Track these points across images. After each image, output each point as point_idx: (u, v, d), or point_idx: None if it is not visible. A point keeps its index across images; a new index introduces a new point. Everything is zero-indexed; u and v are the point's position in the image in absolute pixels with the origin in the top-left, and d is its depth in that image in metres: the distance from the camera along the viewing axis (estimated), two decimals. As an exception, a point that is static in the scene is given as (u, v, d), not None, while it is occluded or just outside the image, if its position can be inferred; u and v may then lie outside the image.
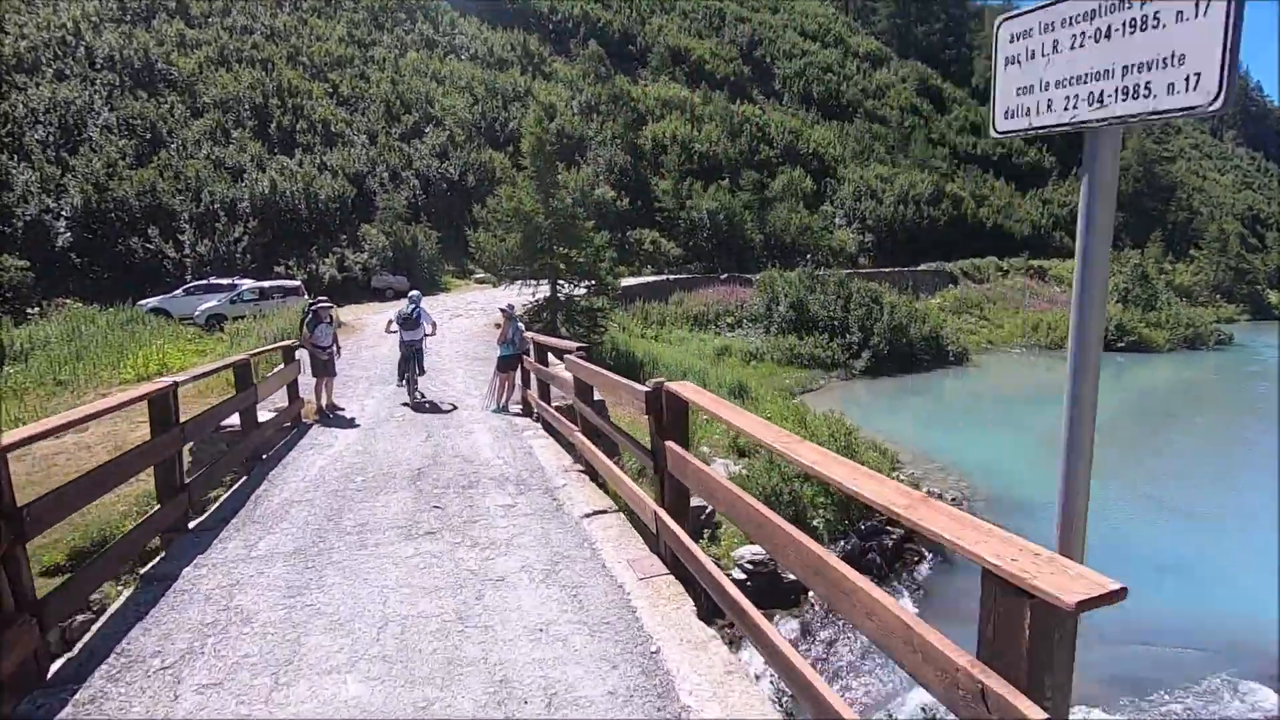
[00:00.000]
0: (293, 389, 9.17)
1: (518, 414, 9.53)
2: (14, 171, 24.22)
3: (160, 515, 4.82)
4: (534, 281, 20.23)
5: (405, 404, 10.12)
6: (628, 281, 28.48)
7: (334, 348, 9.79)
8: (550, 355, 9.78)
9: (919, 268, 44.62)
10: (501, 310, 10.46)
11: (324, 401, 9.73)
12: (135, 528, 4.66)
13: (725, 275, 35.13)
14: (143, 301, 21.50)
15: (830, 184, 51.03)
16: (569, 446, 7.32)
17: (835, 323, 27.77)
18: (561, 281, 19.82)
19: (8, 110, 26.40)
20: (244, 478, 6.79)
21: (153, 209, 24.95)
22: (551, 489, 6.21)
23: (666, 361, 21.41)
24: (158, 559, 4.88)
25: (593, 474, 6.49)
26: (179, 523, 5.19)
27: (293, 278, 24.91)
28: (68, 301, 22.28)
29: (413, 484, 6.50)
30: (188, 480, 5.38)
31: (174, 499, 5.01)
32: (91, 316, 20.72)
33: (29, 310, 21.16)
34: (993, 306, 41.58)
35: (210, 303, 20.67)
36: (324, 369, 9.63)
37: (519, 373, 9.72)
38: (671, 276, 35.79)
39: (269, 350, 9.50)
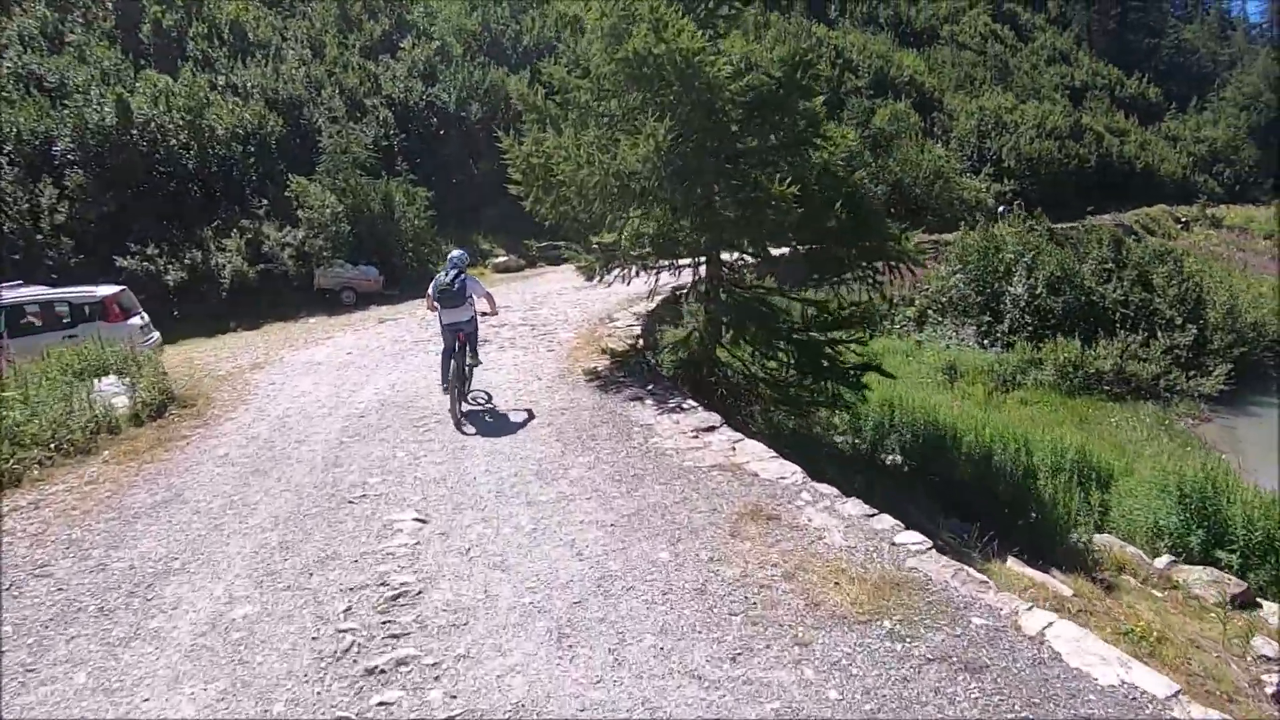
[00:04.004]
0: None
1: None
2: None
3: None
4: (668, 263, 8.32)
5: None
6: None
7: None
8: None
9: (1084, 222, 32.49)
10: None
11: None
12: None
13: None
14: None
15: (939, 119, 38.75)
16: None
17: (1137, 312, 15.76)
18: (748, 244, 7.85)
19: None
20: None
21: None
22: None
23: (956, 424, 9.51)
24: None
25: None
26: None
27: (140, 273, 12.82)
28: None
29: None
30: None
31: None
32: None
33: None
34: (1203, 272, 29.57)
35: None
36: None
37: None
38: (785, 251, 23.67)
39: None
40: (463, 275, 6.73)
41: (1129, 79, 59.60)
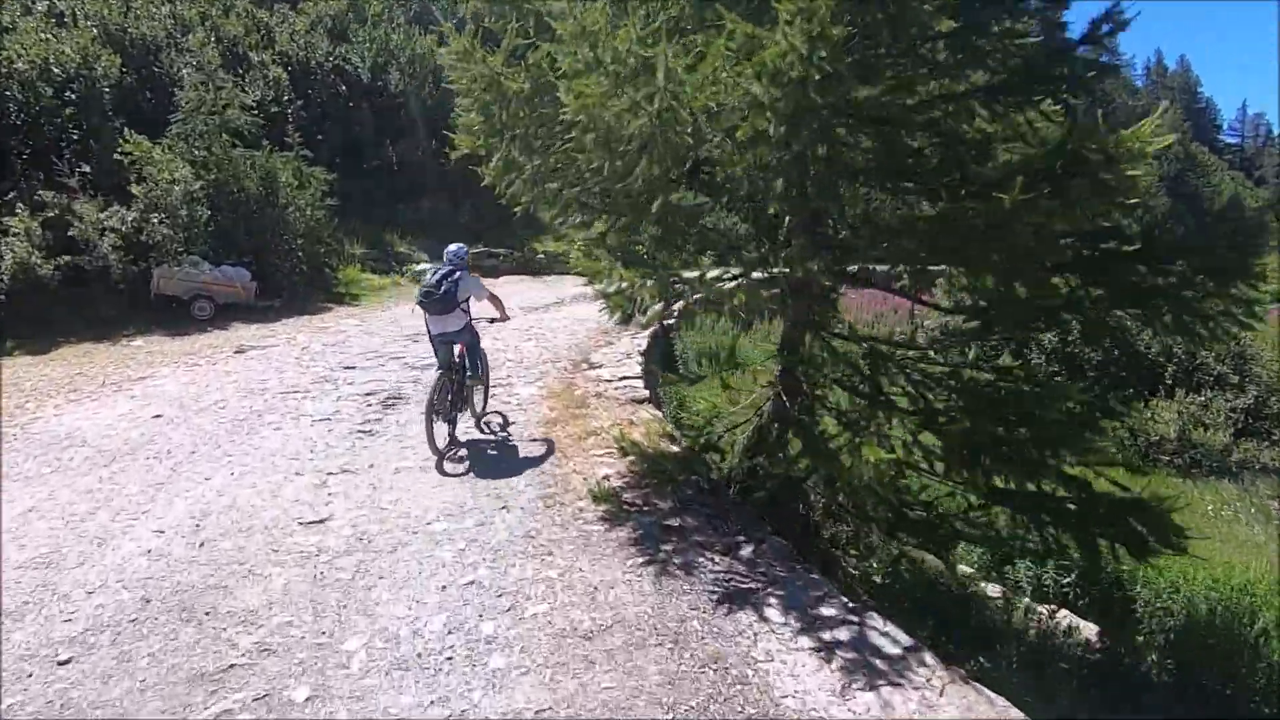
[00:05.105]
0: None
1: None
2: None
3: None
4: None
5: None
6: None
7: None
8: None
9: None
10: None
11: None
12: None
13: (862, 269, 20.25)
14: None
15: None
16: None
17: (1179, 367, 13.49)
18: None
19: None
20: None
21: None
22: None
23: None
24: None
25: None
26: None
27: None
28: None
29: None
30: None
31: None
32: None
33: None
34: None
35: None
36: None
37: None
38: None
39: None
40: (456, 274, 5.68)
41: (1054, 123, 61.74)
